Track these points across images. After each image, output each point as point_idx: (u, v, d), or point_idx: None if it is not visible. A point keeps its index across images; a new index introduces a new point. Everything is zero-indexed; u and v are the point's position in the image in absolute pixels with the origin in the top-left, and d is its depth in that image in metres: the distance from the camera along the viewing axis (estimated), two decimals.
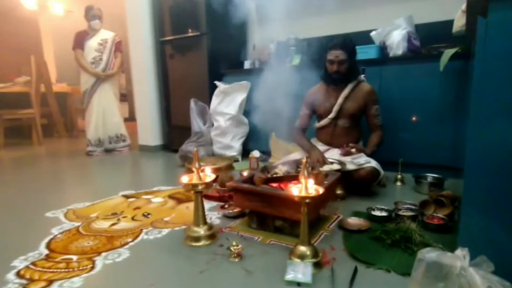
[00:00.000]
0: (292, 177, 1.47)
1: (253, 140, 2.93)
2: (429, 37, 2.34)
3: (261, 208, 1.36)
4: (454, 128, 2.08)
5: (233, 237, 1.32)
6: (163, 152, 3.43)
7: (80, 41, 3.33)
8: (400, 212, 1.47)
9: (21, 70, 4.63)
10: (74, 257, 1.22)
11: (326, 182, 1.39)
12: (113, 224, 1.53)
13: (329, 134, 2.07)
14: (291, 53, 2.80)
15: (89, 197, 1.94)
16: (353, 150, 1.89)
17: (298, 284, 1.00)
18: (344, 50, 1.90)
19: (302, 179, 1.07)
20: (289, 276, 1.02)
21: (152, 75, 3.40)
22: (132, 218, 1.60)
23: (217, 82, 2.93)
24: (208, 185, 1.31)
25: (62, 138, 4.74)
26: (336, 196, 1.74)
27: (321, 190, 1.09)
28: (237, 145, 2.88)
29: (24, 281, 1.07)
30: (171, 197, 1.91)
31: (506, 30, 0.82)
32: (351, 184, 1.80)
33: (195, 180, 1.29)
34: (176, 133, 3.34)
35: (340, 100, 1.98)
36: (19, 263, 1.19)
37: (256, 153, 2.45)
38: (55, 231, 1.47)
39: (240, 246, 1.17)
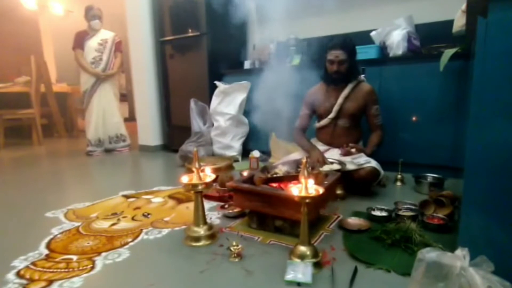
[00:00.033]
0: (292, 177, 1.47)
1: (253, 140, 2.93)
2: (429, 37, 2.34)
3: (261, 208, 1.36)
4: (454, 128, 2.08)
5: (233, 237, 1.32)
6: (163, 152, 3.43)
7: (80, 41, 3.33)
8: (400, 212, 1.47)
9: (21, 70, 4.63)
10: (74, 257, 1.22)
11: (326, 182, 1.39)
12: (113, 224, 1.53)
13: (329, 134, 2.07)
14: (291, 53, 2.80)
15: (89, 197, 1.94)
16: (353, 150, 1.89)
17: (298, 284, 1.00)
18: (344, 50, 1.90)
19: (302, 179, 1.07)
20: (289, 276, 1.02)
21: (152, 75, 3.40)
22: (132, 218, 1.60)
23: (217, 82, 2.93)
24: (208, 185, 1.31)
25: (62, 138, 4.74)
26: (336, 196, 1.74)
27: (321, 190, 1.09)
28: (237, 145, 2.88)
29: (24, 281, 1.07)
30: (171, 197, 1.91)
31: (506, 30, 0.82)
32: (351, 184, 1.80)
33: (195, 180, 1.29)
34: (176, 133, 3.34)
35: (340, 100, 1.98)
36: (19, 263, 1.19)
37: (256, 153, 2.45)
38: (55, 231, 1.47)
39: (240, 246, 1.17)
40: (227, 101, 2.89)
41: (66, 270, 1.14)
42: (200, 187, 1.28)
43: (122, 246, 1.31)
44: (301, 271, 1.03)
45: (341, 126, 2.03)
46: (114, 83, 3.54)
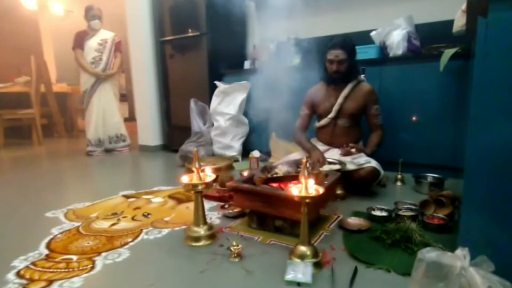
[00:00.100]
0: (292, 177, 1.47)
1: (253, 140, 2.93)
2: (429, 37, 2.34)
3: (261, 208, 1.36)
4: (454, 128, 2.08)
5: (233, 237, 1.32)
6: (163, 152, 3.43)
7: (80, 41, 3.33)
8: (400, 212, 1.47)
9: (21, 70, 4.63)
10: (74, 257, 1.22)
11: (326, 182, 1.39)
12: (113, 224, 1.53)
13: (329, 134, 2.07)
14: (291, 53, 2.80)
15: (89, 197, 1.94)
16: (353, 150, 1.89)
17: (298, 284, 1.00)
18: (344, 50, 1.90)
19: (302, 179, 1.07)
20: (289, 276, 1.02)
21: (152, 75, 3.40)
22: (132, 218, 1.60)
23: (217, 82, 2.93)
24: (208, 185, 1.31)
25: (62, 138, 4.74)
26: (336, 196, 1.74)
27: (321, 190, 1.09)
28: (237, 145, 2.88)
29: (24, 281, 1.07)
30: (171, 197, 1.91)
31: (506, 30, 0.82)
32: (351, 184, 1.80)
33: (195, 180, 1.29)
34: (176, 133, 3.34)
35: (340, 99, 1.98)
36: (19, 263, 1.19)
37: (256, 153, 2.45)
38: (55, 231, 1.47)
39: (240, 246, 1.17)
40: (227, 101, 2.89)
41: (66, 270, 1.14)
42: (200, 187, 1.28)
43: (122, 246, 1.31)
44: (301, 271, 1.03)
45: (341, 126, 2.03)
46: (114, 83, 3.54)
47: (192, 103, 2.91)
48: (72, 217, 1.63)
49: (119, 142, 3.57)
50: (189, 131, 2.93)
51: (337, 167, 1.76)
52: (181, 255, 1.24)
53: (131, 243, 1.33)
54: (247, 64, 3.08)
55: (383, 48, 2.40)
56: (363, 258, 1.14)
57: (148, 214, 1.65)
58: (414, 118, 2.20)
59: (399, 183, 2.06)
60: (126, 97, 5.57)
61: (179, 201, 1.85)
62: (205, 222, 1.33)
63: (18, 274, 1.12)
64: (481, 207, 0.90)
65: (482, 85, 0.87)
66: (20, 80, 4.39)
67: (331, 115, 2.01)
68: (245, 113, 2.91)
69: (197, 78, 3.06)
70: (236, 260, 1.16)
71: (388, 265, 1.09)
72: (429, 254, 0.77)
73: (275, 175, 1.53)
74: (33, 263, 1.18)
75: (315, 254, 1.10)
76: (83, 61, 3.33)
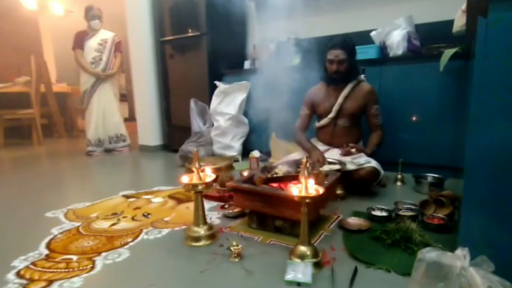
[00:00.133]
0: (292, 177, 1.47)
1: (253, 140, 2.93)
2: (429, 37, 2.34)
3: (261, 208, 1.36)
4: (454, 128, 2.08)
5: (233, 237, 1.32)
6: (163, 152, 3.43)
7: (80, 41, 3.33)
8: (400, 212, 1.47)
9: (21, 70, 4.63)
10: (74, 257, 1.22)
11: (326, 182, 1.39)
12: (113, 224, 1.53)
13: (329, 134, 2.07)
14: (291, 53, 2.80)
15: (89, 197, 1.94)
16: (353, 150, 1.89)
17: (298, 284, 1.00)
18: (344, 50, 1.90)
19: (302, 179, 1.07)
20: (289, 276, 1.02)
21: (152, 75, 3.40)
22: (132, 218, 1.60)
23: (217, 82, 2.93)
24: (208, 185, 1.31)
25: (62, 138, 4.74)
26: (336, 196, 1.74)
27: (321, 190, 1.09)
28: (237, 145, 2.88)
29: (24, 281, 1.07)
30: (171, 197, 1.91)
31: (506, 30, 0.82)
32: (351, 184, 1.80)
33: (195, 180, 1.29)
34: (176, 133, 3.34)
35: (340, 99, 1.98)
36: (19, 263, 1.19)
37: (256, 153, 2.45)
38: (55, 231, 1.47)
39: (240, 246, 1.17)
40: (227, 101, 2.89)
41: (66, 270, 1.14)
42: (200, 187, 1.28)
43: (122, 246, 1.31)
44: (301, 271, 1.03)
45: (341, 126, 2.03)
46: (114, 83, 3.54)
47: (192, 103, 2.91)
48: (72, 217, 1.63)
49: (119, 142, 3.57)
50: (189, 131, 2.93)
51: (337, 167, 1.76)
52: (181, 255, 1.24)
53: (131, 243, 1.33)
54: (247, 64, 3.08)
55: (383, 48, 2.40)
56: (363, 258, 1.14)
57: (148, 214, 1.65)
58: (414, 118, 2.20)
59: (399, 183, 2.06)
60: (126, 97, 5.57)
61: (179, 201, 1.85)
62: (205, 222, 1.33)
63: (18, 274, 1.12)
64: (481, 207, 0.90)
65: (482, 85, 0.87)
66: (20, 80, 4.39)
67: (331, 115, 2.01)
68: (245, 113, 2.91)
69: (197, 78, 3.06)
70: (236, 260, 1.16)
71: (388, 265, 1.09)
72: (429, 254, 0.77)
73: (275, 175, 1.53)
74: (33, 263, 1.18)
75: (315, 254, 1.10)
76: (83, 61, 3.33)
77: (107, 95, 3.46)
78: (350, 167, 1.77)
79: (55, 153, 3.69)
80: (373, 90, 1.99)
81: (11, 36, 4.92)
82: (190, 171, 1.54)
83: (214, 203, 1.78)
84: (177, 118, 3.31)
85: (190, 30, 2.98)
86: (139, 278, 1.08)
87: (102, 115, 3.45)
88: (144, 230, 1.45)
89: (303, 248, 1.10)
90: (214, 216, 1.59)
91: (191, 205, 1.62)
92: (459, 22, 2.01)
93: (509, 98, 0.83)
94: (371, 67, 2.29)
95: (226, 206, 1.68)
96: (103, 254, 1.24)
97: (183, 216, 1.62)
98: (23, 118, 4.18)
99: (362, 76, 2.11)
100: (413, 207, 1.53)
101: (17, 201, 1.95)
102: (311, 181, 1.10)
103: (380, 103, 2.00)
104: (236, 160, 2.83)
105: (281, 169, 1.62)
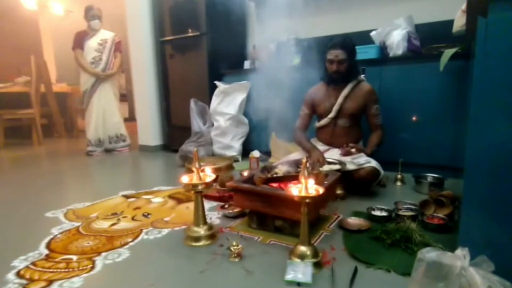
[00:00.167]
0: (292, 177, 1.47)
1: (253, 140, 2.93)
2: (429, 37, 2.34)
3: (261, 208, 1.36)
4: (454, 128, 2.08)
5: (233, 237, 1.32)
6: (163, 152, 3.43)
7: (79, 41, 3.34)
8: (400, 212, 1.47)
9: (21, 70, 4.63)
10: (74, 257, 1.22)
11: (326, 182, 1.39)
12: (113, 224, 1.53)
13: (329, 134, 2.07)
14: (291, 53, 2.80)
15: (89, 197, 1.94)
16: (353, 150, 1.89)
17: (298, 284, 1.00)
18: (344, 50, 1.90)
19: (302, 179, 1.07)
20: (289, 276, 1.02)
21: (152, 75, 3.40)
22: (132, 218, 1.60)
23: (217, 82, 2.93)
24: (208, 185, 1.31)
25: (62, 138, 4.75)
26: (336, 196, 1.74)
27: (321, 190, 1.09)
28: (237, 145, 2.88)
29: (24, 281, 1.07)
30: (171, 197, 1.91)
31: (506, 30, 0.82)
32: (351, 184, 1.80)
33: (195, 180, 1.29)
34: (176, 133, 3.34)
35: (340, 99, 1.98)
36: (19, 263, 1.19)
37: (256, 153, 2.45)
38: (55, 231, 1.47)
39: (240, 246, 1.17)
40: (227, 101, 2.89)
41: (66, 270, 1.14)
42: (200, 187, 1.28)
43: (122, 246, 1.31)
44: (301, 271, 1.03)
45: (341, 126, 2.03)
46: (114, 83, 3.54)
47: (192, 103, 2.91)
48: (72, 217, 1.63)
49: (119, 142, 3.57)
50: (189, 131, 2.93)
51: (337, 167, 1.76)
52: (181, 255, 1.24)
53: (131, 243, 1.33)
54: (247, 64, 3.08)
55: (383, 48, 2.40)
56: (363, 258, 1.14)
57: (148, 214, 1.65)
58: (414, 118, 2.20)
59: (399, 183, 2.06)
60: (126, 97, 5.57)
61: (179, 201, 1.85)
62: (205, 222, 1.33)
63: (18, 274, 1.12)
64: (481, 207, 0.90)
65: (482, 85, 0.87)
66: (20, 80, 4.39)
67: (331, 115, 2.01)
68: (245, 113, 2.91)
69: (197, 78, 3.06)
70: (236, 260, 1.16)
71: (388, 265, 1.09)
72: (429, 254, 0.77)
73: (275, 175, 1.53)
74: (33, 263, 1.18)
75: (315, 254, 1.10)
76: (83, 61, 3.33)
77: (107, 95, 3.46)
78: (350, 167, 1.77)
79: (55, 153, 3.69)
80: (373, 90, 1.99)
81: (11, 36, 4.92)
82: (190, 171, 1.54)
83: (214, 203, 1.78)
84: (177, 118, 3.31)
85: (190, 30, 2.98)
86: (139, 278, 1.08)
87: (102, 115, 3.45)
88: (144, 230, 1.45)
89: (303, 248, 1.10)
90: (214, 216, 1.59)
91: (191, 205, 1.62)
92: (459, 22, 2.01)
93: (509, 98, 0.83)
94: (371, 67, 2.29)
95: (226, 206, 1.68)
96: (103, 254, 1.24)
97: (183, 216, 1.62)
98: (23, 118, 4.18)
99: (362, 76, 2.11)
100: (413, 207, 1.53)
101: (17, 201, 1.95)
102: (311, 181, 1.10)
103: (380, 103, 2.00)
104: (236, 160, 2.83)
105: (281, 169, 1.62)
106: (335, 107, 1.99)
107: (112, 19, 3.97)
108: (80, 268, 1.15)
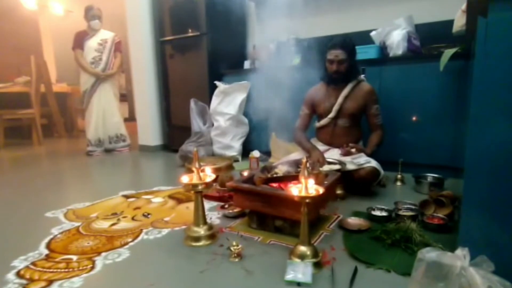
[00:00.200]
0: (292, 177, 1.47)
1: (253, 140, 2.93)
2: (429, 37, 2.34)
3: (261, 208, 1.36)
4: (454, 128, 2.08)
5: (233, 237, 1.32)
6: (163, 152, 3.43)
7: (79, 41, 3.34)
8: (400, 212, 1.47)
9: (21, 70, 4.63)
10: (74, 257, 1.22)
11: (326, 182, 1.39)
12: (113, 224, 1.53)
13: (329, 134, 2.07)
14: (291, 53, 2.80)
15: (89, 197, 1.94)
16: (353, 150, 1.89)
17: (298, 284, 1.00)
18: (344, 50, 1.90)
19: (302, 179, 1.07)
20: (289, 276, 1.02)
21: (152, 75, 3.40)
22: (132, 218, 1.60)
23: (217, 82, 2.93)
24: (208, 185, 1.31)
25: (62, 138, 4.75)
26: (336, 196, 1.74)
27: (321, 190, 1.09)
28: (237, 145, 2.88)
29: (24, 281, 1.07)
30: (171, 197, 1.91)
31: (506, 30, 0.82)
32: (351, 184, 1.80)
33: (195, 180, 1.29)
34: (176, 133, 3.34)
35: (340, 99, 1.98)
36: (19, 263, 1.19)
37: (256, 153, 2.45)
38: (55, 231, 1.47)
39: (240, 246, 1.17)
40: (227, 101, 2.89)
41: (66, 270, 1.14)
42: (200, 187, 1.28)
43: (122, 246, 1.31)
44: (301, 271, 1.03)
45: (341, 126, 2.03)
46: (114, 83, 3.54)
47: (192, 103, 2.91)
48: (72, 217, 1.63)
49: (119, 142, 3.57)
50: (189, 131, 2.93)
51: (337, 167, 1.76)
52: (181, 255, 1.24)
53: (131, 243, 1.33)
54: (247, 64, 3.08)
55: (383, 48, 2.40)
56: (363, 258, 1.14)
57: (148, 214, 1.65)
58: (414, 118, 2.20)
59: (399, 183, 2.06)
60: (126, 97, 5.57)
61: (179, 201, 1.85)
62: (205, 222, 1.33)
63: (18, 274, 1.12)
64: (481, 207, 0.90)
65: (482, 85, 0.87)
66: (20, 80, 4.39)
67: (331, 115, 2.01)
68: (245, 113, 2.91)
69: (197, 78, 3.06)
70: (236, 260, 1.16)
71: (388, 265, 1.09)
72: (429, 254, 0.77)
73: (275, 175, 1.53)
74: (33, 263, 1.18)
75: (315, 254, 1.10)
76: (83, 61, 3.33)
77: (107, 95, 3.46)
78: (350, 167, 1.77)
79: (55, 153, 3.69)
80: (373, 90, 1.99)
81: (11, 36, 4.92)
82: (190, 171, 1.54)
83: (214, 203, 1.78)
84: (177, 118, 3.31)
85: (190, 30, 2.98)
86: (139, 278, 1.08)
87: (102, 115, 3.45)
88: (144, 230, 1.45)
89: (303, 248, 1.10)
90: (214, 216, 1.59)
91: (191, 205, 1.62)
92: (459, 22, 2.01)
93: (509, 98, 0.83)
94: (371, 67, 2.29)
95: (226, 206, 1.68)
96: (103, 254, 1.24)
97: (183, 216, 1.62)
98: (23, 118, 4.18)
99: (362, 76, 2.11)
100: (413, 207, 1.53)
101: (17, 201, 1.95)
102: (311, 181, 1.10)
103: (380, 103, 2.00)
104: (236, 160, 2.83)
105: (281, 169, 1.62)
106: (335, 107, 1.99)
107: (112, 19, 3.97)
108: (80, 268, 1.15)
